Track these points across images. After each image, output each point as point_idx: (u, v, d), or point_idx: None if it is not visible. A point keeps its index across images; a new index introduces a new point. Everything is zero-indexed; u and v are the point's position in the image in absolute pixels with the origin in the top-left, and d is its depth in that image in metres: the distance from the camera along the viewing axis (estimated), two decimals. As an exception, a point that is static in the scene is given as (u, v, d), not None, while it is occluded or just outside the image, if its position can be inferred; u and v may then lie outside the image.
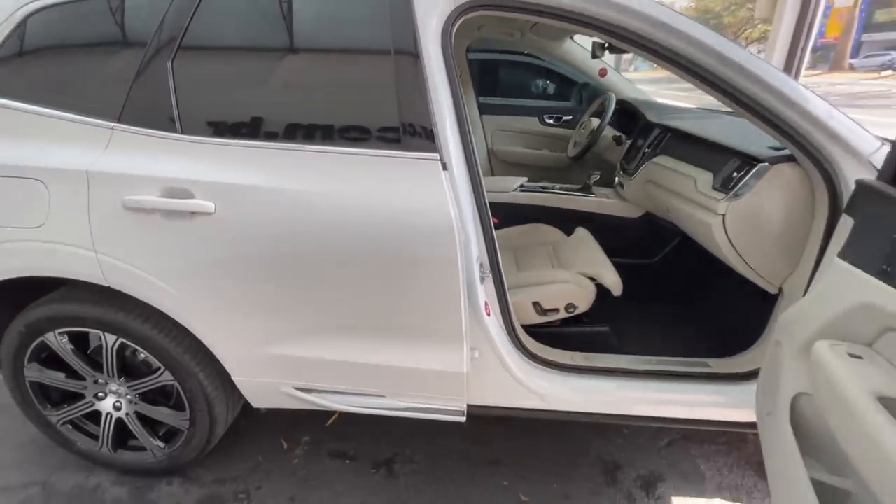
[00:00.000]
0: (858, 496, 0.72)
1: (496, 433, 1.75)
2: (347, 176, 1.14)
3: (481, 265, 1.25)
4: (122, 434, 1.53)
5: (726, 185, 1.42)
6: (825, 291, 0.86)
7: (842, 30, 26.57)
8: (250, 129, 1.18)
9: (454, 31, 1.17)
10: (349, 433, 1.76)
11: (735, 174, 1.40)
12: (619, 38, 1.13)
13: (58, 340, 1.36)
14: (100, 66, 1.24)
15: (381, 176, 1.13)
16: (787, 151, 1.26)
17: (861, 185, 0.93)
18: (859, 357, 0.71)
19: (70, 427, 1.53)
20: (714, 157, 1.55)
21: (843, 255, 0.84)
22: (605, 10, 1.10)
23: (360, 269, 1.18)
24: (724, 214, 1.39)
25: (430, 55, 1.13)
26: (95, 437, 1.53)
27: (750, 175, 1.34)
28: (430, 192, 1.11)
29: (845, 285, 0.79)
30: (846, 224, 0.93)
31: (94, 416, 1.52)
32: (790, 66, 6.78)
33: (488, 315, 1.29)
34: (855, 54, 33.47)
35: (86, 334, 1.39)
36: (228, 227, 1.16)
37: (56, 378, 1.44)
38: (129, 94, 1.19)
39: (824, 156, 1.13)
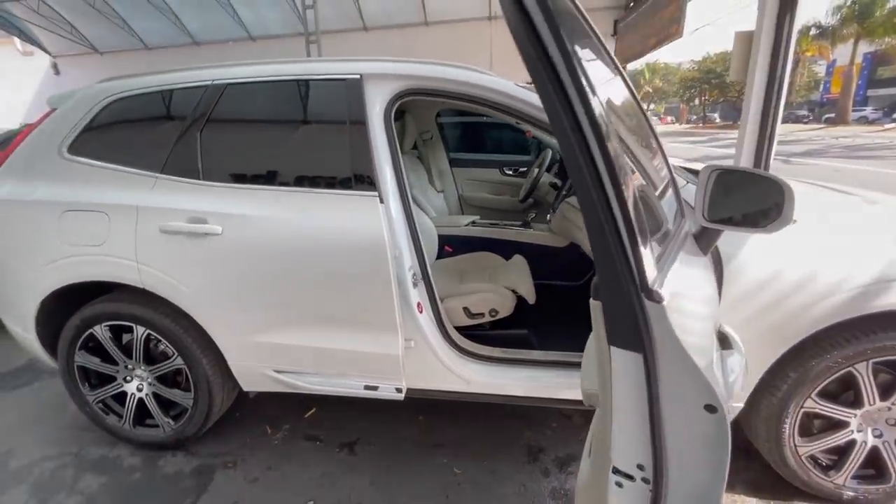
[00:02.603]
0: None
1: (442, 424, 2.08)
2: (313, 208, 1.62)
3: (413, 273, 1.68)
4: (140, 414, 1.94)
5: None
6: None
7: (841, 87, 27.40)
8: (249, 177, 1.69)
9: (394, 109, 1.68)
10: (322, 423, 2.12)
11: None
12: (492, 106, 1.62)
13: (103, 332, 1.82)
14: (153, 136, 1.79)
15: (336, 208, 1.61)
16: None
17: None
18: None
19: (101, 406, 1.96)
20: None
21: None
22: (484, 93, 1.60)
23: (322, 274, 1.62)
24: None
25: (374, 126, 1.63)
26: (120, 416, 1.95)
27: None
28: (370, 219, 1.57)
29: None
30: None
31: (121, 398, 1.94)
32: (765, 122, 7.33)
33: (420, 312, 1.70)
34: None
35: (122, 328, 1.84)
36: (230, 245, 1.64)
37: (97, 363, 1.88)
38: (170, 153, 1.73)
39: None
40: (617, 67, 1.17)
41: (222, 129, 1.75)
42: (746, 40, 8.13)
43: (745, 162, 7.66)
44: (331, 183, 1.65)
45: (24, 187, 1.82)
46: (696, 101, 48.79)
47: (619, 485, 0.72)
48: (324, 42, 9.75)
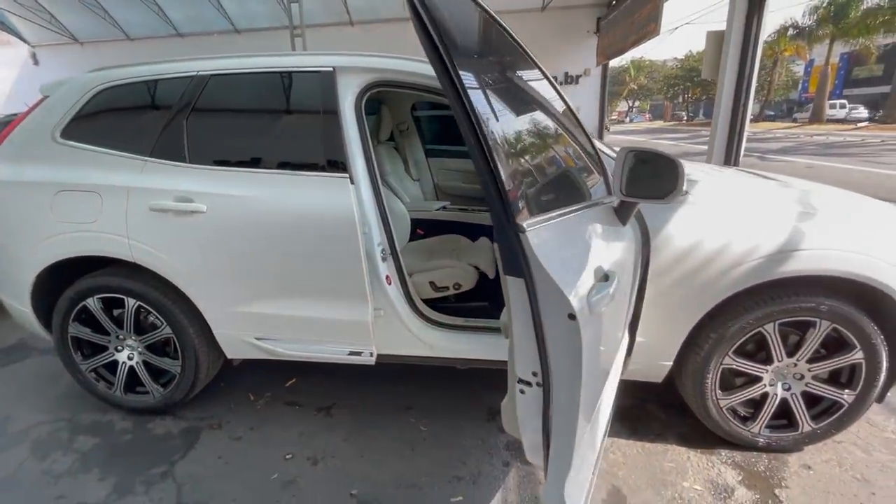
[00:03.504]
0: None
1: (412, 390, 2.27)
2: (290, 189, 1.78)
3: (382, 249, 1.85)
4: (131, 381, 2.09)
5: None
6: None
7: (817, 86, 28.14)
8: (232, 160, 1.85)
9: (364, 99, 1.85)
10: (302, 390, 2.30)
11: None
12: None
13: (95, 304, 1.97)
14: (142, 122, 1.94)
15: (311, 189, 1.77)
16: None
17: None
18: None
19: (94, 374, 2.10)
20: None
21: None
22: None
23: (298, 249, 1.79)
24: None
25: (346, 114, 1.80)
26: (111, 383, 2.10)
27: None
28: (341, 199, 1.74)
29: None
30: None
31: (112, 367, 2.09)
32: (735, 119, 7.61)
33: (389, 284, 1.88)
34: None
35: (113, 301, 1.99)
36: (214, 222, 1.80)
37: (89, 333, 2.03)
38: (158, 138, 1.88)
39: None
40: (538, 68, 1.37)
41: (207, 117, 1.90)
42: (718, 40, 8.36)
43: (717, 156, 7.92)
44: (306, 166, 1.82)
45: (19, 169, 1.95)
46: (680, 99, 49.62)
47: (522, 391, 0.91)
48: (309, 36, 9.80)
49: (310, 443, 1.94)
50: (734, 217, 1.67)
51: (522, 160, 1.00)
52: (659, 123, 47.27)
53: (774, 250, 1.58)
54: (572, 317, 0.78)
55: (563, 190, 1.18)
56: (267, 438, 1.97)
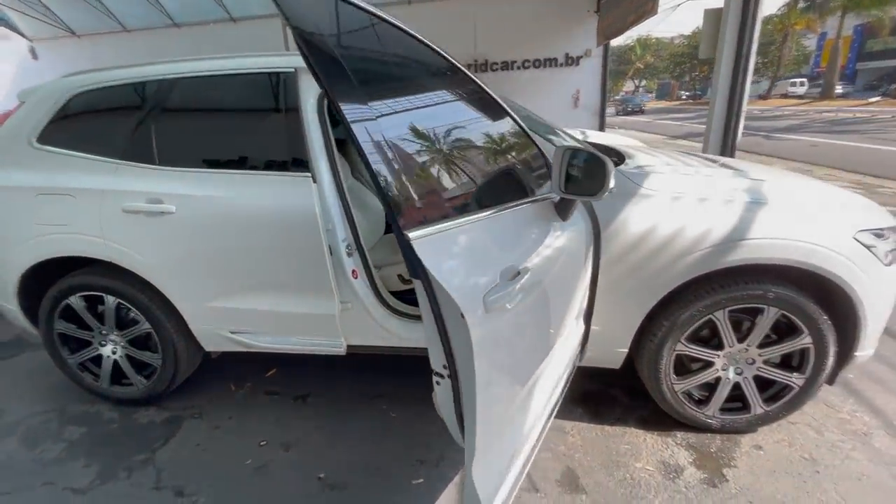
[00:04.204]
0: None
1: (384, 379, 2.36)
2: (255, 188, 1.84)
3: (347, 245, 1.92)
4: (116, 374, 2.19)
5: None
6: None
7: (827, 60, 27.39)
8: (199, 161, 1.91)
9: (325, 102, 1.89)
10: (281, 381, 2.40)
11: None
12: None
13: (78, 302, 2.07)
14: (114, 126, 2.00)
15: (275, 187, 1.83)
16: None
17: None
18: None
19: (81, 368, 2.21)
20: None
21: None
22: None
23: (264, 246, 1.86)
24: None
25: (308, 114, 1.84)
26: (97, 376, 2.21)
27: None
28: (304, 197, 1.79)
29: None
30: None
31: (98, 360, 2.20)
32: (733, 98, 7.49)
33: (356, 278, 1.95)
34: (851, 82, 34.16)
35: (95, 298, 2.08)
36: (183, 221, 1.87)
37: (74, 329, 2.13)
38: (129, 142, 1.94)
39: None
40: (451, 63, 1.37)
41: (174, 120, 1.96)
42: (715, 17, 8.20)
43: (715, 137, 7.83)
44: (270, 166, 1.88)
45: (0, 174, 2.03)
46: (687, 78, 48.58)
47: (438, 383, 0.98)
48: (303, 24, 9.73)
49: (284, 430, 2.04)
50: (684, 208, 1.70)
51: (421, 170, 1.05)
52: (664, 103, 46.40)
53: (720, 240, 1.62)
54: (463, 316, 0.84)
55: (476, 194, 1.23)
56: (244, 427, 2.08)
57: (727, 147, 7.06)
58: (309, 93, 1.85)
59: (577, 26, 12.92)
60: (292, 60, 1.88)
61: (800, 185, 1.94)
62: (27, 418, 2.19)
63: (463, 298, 0.85)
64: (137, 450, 1.95)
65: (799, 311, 1.68)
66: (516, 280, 1.01)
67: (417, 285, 0.87)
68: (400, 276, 2.19)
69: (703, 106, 35.01)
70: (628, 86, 57.13)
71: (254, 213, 1.84)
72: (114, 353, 2.17)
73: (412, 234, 0.82)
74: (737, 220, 1.64)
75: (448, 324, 0.88)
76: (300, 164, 1.83)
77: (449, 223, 0.93)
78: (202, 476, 1.80)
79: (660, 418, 1.98)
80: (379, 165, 0.84)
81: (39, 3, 12.76)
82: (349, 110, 0.86)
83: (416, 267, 0.82)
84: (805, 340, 1.72)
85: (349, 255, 1.91)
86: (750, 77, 7.42)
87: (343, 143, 2.39)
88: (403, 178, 0.90)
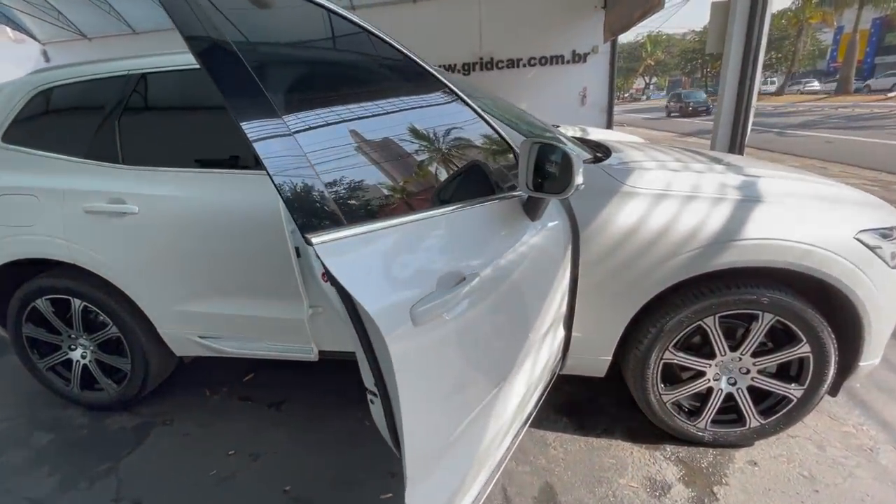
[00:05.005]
0: None
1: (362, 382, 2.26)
2: (219, 187, 1.77)
3: (317, 246, 1.83)
4: (87, 378, 2.14)
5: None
6: None
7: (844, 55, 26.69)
8: (162, 161, 1.83)
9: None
10: (257, 385, 2.33)
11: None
12: None
13: (44, 305, 2.01)
14: (77, 124, 1.94)
15: (239, 187, 1.75)
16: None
17: None
18: None
19: (52, 372, 2.16)
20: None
21: None
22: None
23: (229, 248, 1.78)
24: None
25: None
26: (68, 380, 2.15)
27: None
28: (268, 195, 1.71)
29: None
30: None
31: (68, 364, 2.14)
32: (741, 94, 7.27)
33: (325, 281, 1.86)
34: (869, 76, 33.26)
35: (62, 302, 2.02)
36: (146, 223, 1.80)
37: (42, 333, 2.08)
38: (92, 140, 1.88)
39: None
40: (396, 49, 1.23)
41: (138, 117, 1.89)
42: (723, 10, 7.96)
43: (723, 134, 7.61)
44: (234, 164, 1.80)
45: (-35, 175, 1.98)
46: (699, 74, 47.77)
47: (372, 401, 0.88)
48: (304, 23, 9.69)
49: (255, 439, 1.96)
50: (670, 207, 1.57)
51: (352, 170, 0.95)
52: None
53: (709, 242, 1.50)
54: (380, 331, 0.74)
55: (415, 194, 1.12)
56: (215, 435, 2.00)
57: (735, 144, 6.84)
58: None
59: (584, 22, 12.69)
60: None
61: (798, 183, 1.80)
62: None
63: (383, 311, 0.75)
64: (103, 458, 1.89)
65: (796, 318, 1.55)
66: (459, 287, 0.90)
67: (333, 295, 0.77)
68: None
69: (712, 101, 34.34)
70: (639, 83, 56.40)
71: (217, 213, 1.76)
72: (83, 357, 2.11)
73: (317, 239, 0.72)
74: (727, 219, 1.51)
75: (373, 338, 0.78)
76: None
77: (369, 226, 0.83)
78: (163, 487, 1.72)
79: (649, 430, 1.86)
80: (281, 162, 0.75)
81: (51, 7, 12.95)
82: (254, 128, 0.77)
83: (330, 276, 0.73)
84: (803, 349, 1.59)
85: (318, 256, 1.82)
86: (760, 71, 7.19)
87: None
88: (315, 177, 0.80)
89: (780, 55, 34.31)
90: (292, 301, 1.82)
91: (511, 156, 1.41)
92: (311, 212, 0.77)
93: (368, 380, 0.88)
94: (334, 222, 0.78)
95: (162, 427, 2.07)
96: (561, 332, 1.67)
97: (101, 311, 1.99)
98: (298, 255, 1.75)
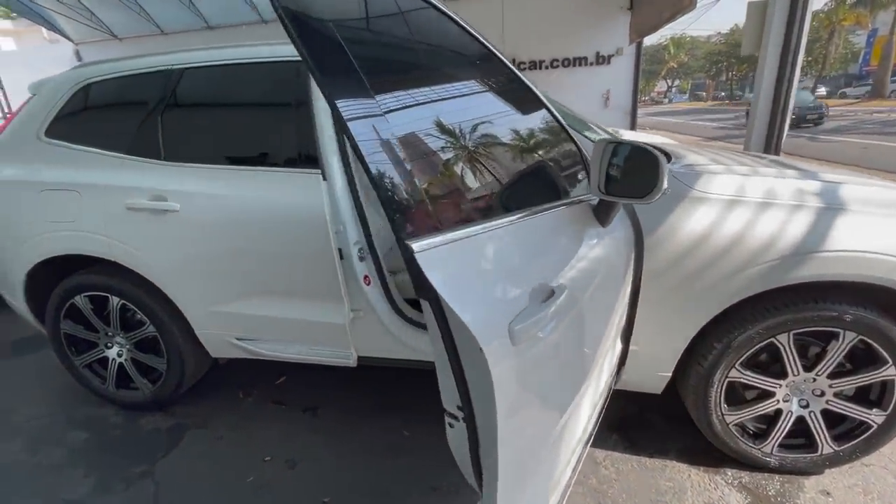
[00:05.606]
0: None
1: (398, 389, 2.20)
2: (262, 185, 1.71)
3: (360, 248, 1.76)
4: (122, 377, 2.11)
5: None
6: None
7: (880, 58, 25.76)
8: (205, 157, 1.79)
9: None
10: (291, 389, 2.27)
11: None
12: None
13: (83, 302, 1.99)
14: (120, 119, 1.91)
15: (283, 185, 1.70)
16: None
17: None
18: None
19: (88, 370, 2.14)
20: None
21: None
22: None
23: (270, 248, 1.72)
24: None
25: (319, 108, 1.70)
26: (104, 378, 2.13)
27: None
28: (312, 195, 1.65)
29: None
30: None
31: (104, 362, 2.12)
32: (778, 96, 7.00)
33: (368, 284, 1.79)
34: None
35: (100, 299, 2.00)
36: (188, 220, 1.75)
37: (80, 330, 2.06)
38: (134, 135, 1.85)
39: None
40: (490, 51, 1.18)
41: (180, 112, 1.85)
42: (760, 11, 7.70)
43: (757, 138, 7.35)
44: (279, 161, 1.74)
45: (7, 169, 1.97)
46: (724, 77, 46.72)
47: (451, 425, 0.80)
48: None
49: (290, 445, 1.90)
50: (743, 214, 1.46)
51: (437, 169, 0.87)
52: (699, 104, 44.76)
53: (787, 252, 1.38)
54: (481, 350, 0.66)
55: (500, 195, 1.03)
56: (248, 439, 1.95)
57: (770, 148, 6.59)
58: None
59: (609, 24, 12.48)
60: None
61: (882, 190, 1.66)
62: (34, 419, 2.13)
63: (482, 328, 0.67)
64: (138, 461, 1.85)
65: (882, 338, 1.42)
66: (550, 301, 0.82)
67: (425, 307, 0.69)
68: (417, 282, 2.02)
69: (740, 108, 33.55)
70: (661, 86, 55.49)
71: (259, 213, 1.71)
72: (119, 355, 2.09)
73: (417, 245, 0.64)
74: (808, 228, 1.39)
75: (463, 358, 0.70)
76: (310, 160, 1.69)
77: (466, 230, 0.75)
78: (200, 493, 1.68)
79: (706, 450, 1.74)
80: (379, 164, 0.67)
81: (84, 8, 13.30)
82: (348, 106, 0.70)
83: (422, 285, 0.65)
84: (888, 371, 1.46)
85: (361, 259, 1.75)
86: (798, 73, 6.90)
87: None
88: (411, 177, 0.73)
89: (810, 58, 33.32)
90: (333, 304, 1.75)
91: (575, 156, 1.32)
92: (407, 215, 0.69)
93: (450, 401, 0.80)
94: (431, 227, 0.70)
95: (196, 429, 2.02)
96: (619, 346, 1.57)
97: (138, 310, 1.95)
98: (342, 257, 1.68)
